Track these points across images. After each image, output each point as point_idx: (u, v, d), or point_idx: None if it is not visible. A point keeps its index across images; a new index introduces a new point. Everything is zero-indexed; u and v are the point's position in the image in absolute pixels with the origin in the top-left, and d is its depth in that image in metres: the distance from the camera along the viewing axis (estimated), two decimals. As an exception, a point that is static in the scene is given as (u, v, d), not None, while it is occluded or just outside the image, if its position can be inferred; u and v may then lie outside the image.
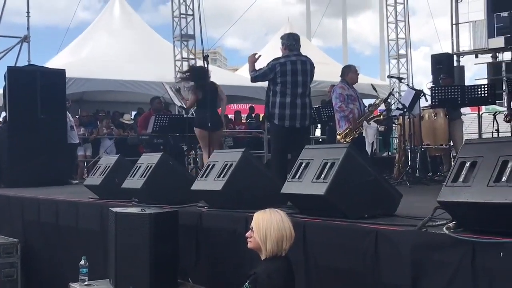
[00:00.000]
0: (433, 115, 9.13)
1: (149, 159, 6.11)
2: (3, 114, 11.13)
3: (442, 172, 9.25)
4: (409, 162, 8.52)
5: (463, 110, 10.64)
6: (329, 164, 4.13)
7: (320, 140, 15.48)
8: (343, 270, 3.81)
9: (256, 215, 3.58)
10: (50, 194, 7.85)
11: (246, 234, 3.61)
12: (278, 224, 3.49)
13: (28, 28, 14.35)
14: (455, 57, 18.38)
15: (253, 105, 18.57)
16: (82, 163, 13.67)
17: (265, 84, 7.08)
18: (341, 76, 8.44)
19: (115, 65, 15.22)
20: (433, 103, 8.81)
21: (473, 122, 16.06)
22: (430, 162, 9.81)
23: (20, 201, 8.04)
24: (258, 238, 3.49)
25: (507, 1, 17.55)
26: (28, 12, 14.47)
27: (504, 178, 3.01)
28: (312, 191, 4.13)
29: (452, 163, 3.49)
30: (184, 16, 15.07)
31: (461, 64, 19.20)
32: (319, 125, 15.28)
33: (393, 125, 12.34)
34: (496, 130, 10.10)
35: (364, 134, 8.15)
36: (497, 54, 19.08)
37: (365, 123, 8.13)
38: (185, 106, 9.60)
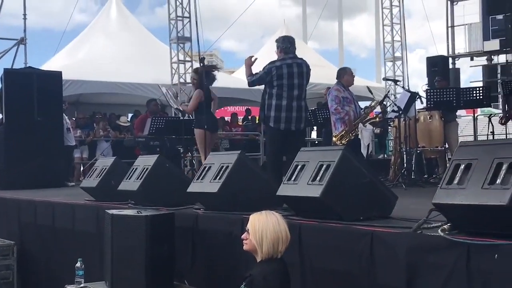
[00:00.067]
0: (428, 118, 9.16)
1: (145, 161, 6.11)
2: (0, 116, 11.11)
3: (438, 174, 9.28)
4: (405, 164, 8.53)
5: (458, 112, 10.66)
6: (324, 166, 4.14)
7: (316, 142, 15.50)
8: (339, 272, 3.82)
9: (252, 217, 3.59)
10: (47, 196, 7.84)
11: (242, 236, 3.62)
12: (274, 226, 3.50)
13: (24, 30, 14.32)
14: (450, 60, 18.43)
15: (250, 108, 18.58)
16: (79, 165, 13.66)
17: (261, 86, 7.10)
18: (337, 78, 8.46)
19: (111, 67, 15.22)
20: (429, 105, 8.83)
21: (468, 124, 16.10)
22: (425, 164, 9.83)
23: (16, 203, 8.04)
24: (254, 240, 3.50)
25: (503, 4, 17.61)
26: (24, 14, 14.44)
27: (498, 180, 3.03)
28: (307, 193, 4.14)
29: (448, 165, 3.51)
30: (180, 18, 15.08)
31: (456, 66, 19.25)
32: (315, 127, 15.31)
33: (389, 127, 12.35)
34: (491, 132, 10.14)
35: (359, 136, 8.16)
36: (492, 56, 19.15)
37: (360, 125, 8.14)
38: (181, 109, 9.60)
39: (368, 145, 8.20)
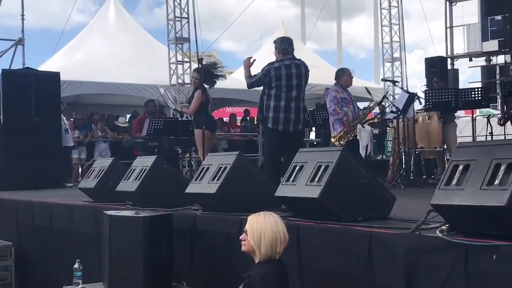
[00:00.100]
0: (427, 118, 9.16)
1: (143, 162, 6.11)
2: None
3: (436, 175, 9.28)
4: (403, 165, 8.53)
5: (457, 113, 10.67)
6: (323, 167, 4.14)
7: (315, 143, 15.49)
8: (337, 273, 3.82)
9: (250, 218, 3.59)
10: (44, 197, 7.83)
11: (240, 237, 3.62)
12: (272, 227, 3.50)
13: (22, 31, 14.31)
14: (449, 60, 18.47)
15: (248, 108, 18.58)
16: (77, 166, 13.65)
17: (260, 87, 7.10)
18: (335, 79, 8.46)
19: (109, 68, 15.21)
20: (427, 106, 8.83)
21: (467, 125, 16.12)
22: (424, 165, 9.82)
23: (14, 204, 8.03)
24: (252, 241, 3.50)
25: (501, 5, 17.65)
26: (22, 15, 14.43)
27: (497, 181, 3.03)
28: (306, 194, 4.13)
29: (446, 166, 3.51)
30: (179, 19, 15.07)
31: (455, 67, 19.30)
32: (313, 128, 15.30)
33: (387, 128, 12.36)
34: (489, 133, 10.15)
35: (358, 137, 8.16)
36: (491, 57, 19.20)
37: (359, 126, 8.15)
38: (179, 110, 9.60)
39: (367, 146, 8.22)
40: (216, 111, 18.04)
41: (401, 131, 8.57)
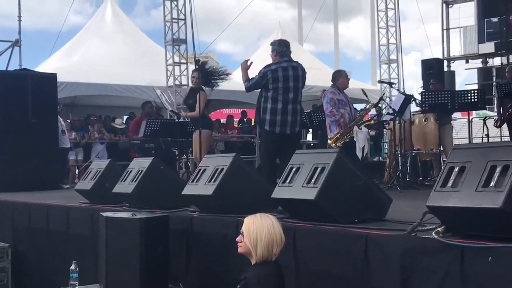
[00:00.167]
0: (423, 120, 9.17)
1: (140, 164, 6.10)
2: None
3: (433, 176, 9.29)
4: (400, 167, 8.55)
5: (453, 115, 10.69)
6: (319, 169, 4.14)
7: (312, 144, 15.51)
8: (333, 274, 3.83)
9: (246, 219, 3.59)
10: (41, 199, 7.82)
11: (237, 239, 3.62)
12: (269, 228, 3.50)
13: (19, 32, 14.31)
14: (445, 62, 18.48)
15: (245, 110, 18.59)
16: (74, 167, 13.63)
17: (258, 89, 7.12)
18: (332, 81, 8.48)
19: (106, 69, 15.20)
20: (424, 108, 8.85)
21: (463, 127, 16.16)
22: (420, 166, 9.84)
23: (10, 205, 8.01)
24: (249, 242, 3.50)
25: (498, 7, 17.68)
26: (19, 16, 14.42)
27: (492, 183, 3.04)
28: (302, 196, 4.14)
29: (442, 167, 3.52)
30: (176, 20, 15.08)
31: (451, 69, 19.32)
32: (310, 130, 15.32)
33: (384, 130, 12.37)
34: (486, 135, 10.17)
35: (355, 139, 8.17)
36: (488, 59, 19.22)
37: (356, 127, 8.16)
38: (176, 111, 9.60)
39: (363, 148, 8.22)
40: (213, 113, 18.06)
41: (398, 132, 8.58)
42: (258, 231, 3.48)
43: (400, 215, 4.34)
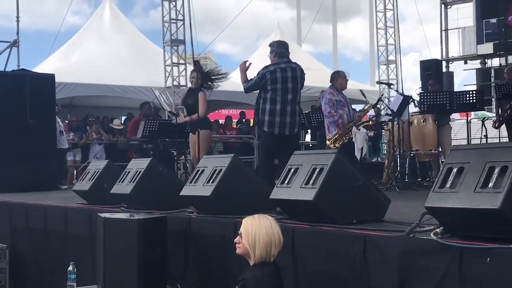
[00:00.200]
0: (422, 121, 9.17)
1: (138, 165, 6.10)
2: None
3: (431, 177, 9.29)
4: (398, 168, 8.54)
5: (452, 116, 10.69)
6: (318, 169, 4.14)
7: (310, 145, 15.50)
8: (332, 275, 3.82)
9: (244, 220, 3.59)
10: (39, 199, 7.81)
11: (235, 240, 3.62)
12: (267, 229, 3.50)
13: (17, 33, 14.27)
14: (444, 63, 18.49)
15: (244, 111, 18.58)
16: (72, 168, 13.62)
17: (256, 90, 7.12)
18: (330, 81, 8.48)
19: (105, 70, 15.19)
20: (422, 109, 8.84)
21: (462, 128, 16.15)
22: (419, 167, 9.83)
23: (8, 206, 8.00)
24: (247, 243, 3.49)
25: (496, 8, 17.69)
26: (17, 17, 14.39)
27: (490, 184, 3.03)
28: (301, 197, 4.14)
29: (441, 168, 3.51)
30: (174, 21, 15.07)
31: (450, 70, 19.33)
32: (309, 130, 15.31)
33: (383, 130, 12.37)
34: (484, 136, 10.16)
35: (353, 140, 8.16)
36: (486, 60, 19.22)
37: (354, 128, 8.15)
38: (174, 112, 9.59)
39: (362, 148, 8.21)
40: (212, 113, 18.04)
41: (396, 133, 8.59)
42: (256, 232, 3.48)
43: (399, 216, 4.34)
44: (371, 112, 9.97)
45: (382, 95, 14.80)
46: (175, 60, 15.16)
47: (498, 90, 10.17)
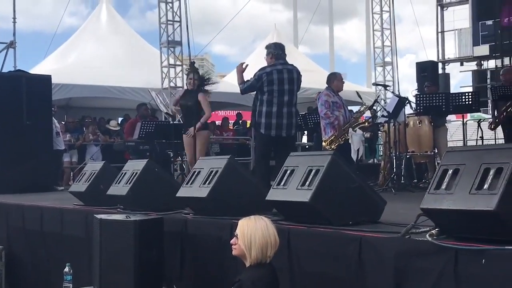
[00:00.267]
0: (418, 123, 9.19)
1: (134, 166, 6.10)
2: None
3: (427, 179, 9.30)
4: (394, 169, 8.56)
5: (448, 117, 10.71)
6: (313, 171, 4.15)
7: (307, 147, 15.51)
8: (328, 276, 3.83)
9: (240, 222, 3.59)
10: (35, 201, 7.80)
11: (231, 241, 3.62)
12: (263, 231, 3.50)
13: (14, 34, 14.26)
14: (440, 65, 18.54)
15: (241, 112, 18.59)
16: (68, 169, 13.60)
17: (253, 92, 7.13)
18: (326, 83, 8.49)
19: (101, 71, 15.18)
20: (418, 110, 8.86)
21: (458, 129, 16.17)
22: (415, 169, 9.85)
23: (4, 207, 7.99)
24: (243, 245, 3.50)
25: (492, 10, 17.76)
26: (14, 18, 14.38)
27: (486, 186, 3.04)
28: (296, 198, 4.14)
29: (436, 170, 3.52)
30: (171, 22, 15.08)
31: (446, 71, 19.40)
32: (305, 132, 15.33)
33: (379, 132, 12.39)
34: (480, 137, 10.18)
35: (350, 141, 8.18)
36: (482, 62, 19.30)
37: (350, 130, 8.17)
38: (171, 113, 9.59)
39: (358, 150, 8.22)
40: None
41: (392, 135, 8.60)
42: (252, 233, 3.48)
43: (395, 217, 4.35)
44: (367, 114, 9.98)
45: (378, 97, 14.87)
46: (171, 61, 15.16)
47: (494, 91, 10.19)
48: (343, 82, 8.61)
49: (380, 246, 3.52)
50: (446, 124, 9.91)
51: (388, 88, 13.07)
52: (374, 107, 10.92)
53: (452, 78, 18.88)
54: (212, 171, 5.01)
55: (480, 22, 18.54)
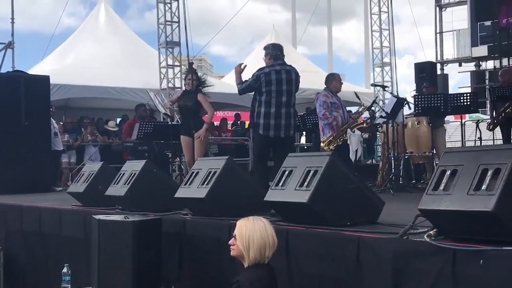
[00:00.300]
0: (416, 123, 9.19)
1: (132, 167, 6.09)
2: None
3: (426, 179, 9.31)
4: (393, 170, 8.56)
5: (446, 118, 10.72)
6: (312, 172, 4.15)
7: (305, 147, 15.52)
8: (326, 277, 3.83)
9: (239, 222, 3.59)
10: (34, 201, 7.79)
11: (229, 242, 3.62)
12: (261, 231, 3.50)
13: (12, 34, 14.26)
14: (438, 66, 18.56)
15: (239, 113, 18.59)
16: (67, 170, 13.59)
17: (251, 92, 7.13)
18: (325, 83, 8.50)
19: (100, 71, 15.18)
20: (416, 111, 8.87)
21: (456, 130, 16.18)
22: (413, 169, 9.87)
23: (3, 208, 7.97)
24: (241, 245, 3.50)
25: (491, 10, 17.77)
26: (12, 18, 14.37)
27: (484, 186, 3.05)
28: (295, 199, 4.14)
29: (434, 171, 3.53)
30: (169, 23, 15.08)
31: (445, 72, 19.40)
32: (304, 133, 15.34)
33: (377, 133, 12.40)
34: (479, 138, 10.20)
35: (348, 142, 8.18)
36: (481, 62, 19.32)
37: (349, 130, 8.17)
38: (169, 114, 9.59)
39: (357, 150, 8.22)
40: (206, 115, 18.05)
41: (391, 136, 8.60)
42: (251, 234, 3.48)
43: (393, 218, 4.35)
44: (366, 114, 9.99)
45: (376, 98, 14.87)
46: (170, 62, 15.17)
47: (492, 92, 10.21)
48: (342, 83, 8.61)
49: (378, 246, 3.52)
50: (444, 124, 9.91)
51: (386, 88, 13.07)
52: (373, 108, 10.93)
53: (450, 79, 18.88)
54: (210, 172, 5.01)
55: (478, 23, 18.55)
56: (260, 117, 6.83)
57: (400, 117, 8.82)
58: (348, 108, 9.32)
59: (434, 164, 9.07)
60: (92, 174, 6.81)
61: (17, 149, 10.04)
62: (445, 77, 18.62)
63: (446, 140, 10.18)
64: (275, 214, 4.58)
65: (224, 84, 17.27)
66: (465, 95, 9.03)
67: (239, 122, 18.45)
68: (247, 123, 16.22)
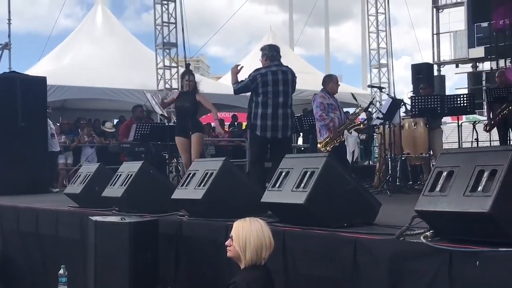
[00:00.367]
0: (413, 124, 9.20)
1: (129, 168, 6.09)
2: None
3: (422, 181, 9.32)
4: (390, 171, 8.57)
5: (443, 119, 10.74)
6: (308, 173, 4.15)
7: (302, 148, 15.53)
8: (322, 278, 3.83)
9: (235, 224, 3.59)
10: (30, 203, 7.78)
11: (226, 243, 3.62)
12: (258, 233, 3.50)
13: (9, 35, 14.27)
14: (435, 67, 18.58)
15: (236, 114, 18.59)
16: (63, 171, 13.57)
17: (248, 93, 7.12)
18: (322, 85, 8.49)
19: (97, 72, 15.17)
20: (413, 112, 8.88)
21: (453, 131, 16.21)
22: (410, 171, 9.87)
23: (-1, 209, 7.97)
24: (238, 247, 3.50)
25: (488, 12, 17.79)
26: (9, 19, 14.38)
27: (480, 188, 3.05)
28: (291, 200, 4.14)
29: (431, 172, 3.53)
30: (166, 24, 15.07)
31: (441, 73, 19.44)
32: (301, 134, 15.34)
33: (374, 134, 12.40)
34: (475, 139, 10.22)
35: (345, 143, 8.19)
36: (477, 64, 19.35)
37: (346, 132, 8.17)
38: (166, 115, 9.58)
39: (353, 152, 8.23)
40: (204, 116, 18.04)
41: (388, 137, 8.61)
42: (247, 235, 3.48)
43: (390, 219, 4.35)
44: (363, 116, 10.00)
45: (373, 99, 14.88)
46: (167, 63, 15.16)
47: (489, 93, 10.23)
48: (339, 85, 8.60)
49: (375, 248, 3.53)
50: (441, 126, 9.93)
51: (383, 90, 13.07)
52: (370, 109, 10.93)
53: (447, 80, 18.97)
54: (207, 173, 5.01)
55: (475, 24, 18.58)
56: (257, 118, 6.83)
57: (397, 118, 8.83)
58: (345, 109, 9.33)
59: (431, 165, 9.08)
60: (89, 175, 6.81)
61: (14, 150, 10.03)
62: (442, 78, 18.67)
63: (443, 141, 10.19)
64: (271, 215, 4.58)
65: (221, 85, 17.28)
66: (462, 96, 9.04)
67: (236, 123, 18.45)
68: (244, 124, 16.22)
